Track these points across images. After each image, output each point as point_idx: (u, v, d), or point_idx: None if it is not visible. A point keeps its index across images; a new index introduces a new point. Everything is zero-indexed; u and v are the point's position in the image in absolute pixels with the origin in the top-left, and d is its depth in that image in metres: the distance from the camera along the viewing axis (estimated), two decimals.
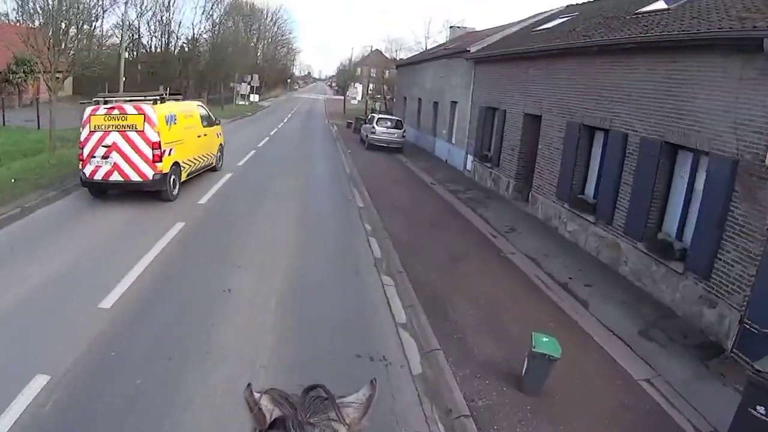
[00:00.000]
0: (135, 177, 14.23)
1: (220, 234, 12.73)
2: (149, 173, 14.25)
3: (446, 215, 16.88)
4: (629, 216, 12.51)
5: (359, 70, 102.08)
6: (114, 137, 14.09)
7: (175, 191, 15.53)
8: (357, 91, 75.95)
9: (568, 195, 15.43)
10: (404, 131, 30.87)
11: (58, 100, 44.52)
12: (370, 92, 70.78)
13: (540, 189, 17.26)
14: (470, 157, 23.88)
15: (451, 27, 42.22)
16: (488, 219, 16.71)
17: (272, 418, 1.47)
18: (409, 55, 49.25)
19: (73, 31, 61.83)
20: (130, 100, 15.06)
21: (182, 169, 16.00)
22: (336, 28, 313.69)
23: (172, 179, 15.16)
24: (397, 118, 31.89)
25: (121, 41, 40.45)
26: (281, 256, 11.42)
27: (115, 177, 14.22)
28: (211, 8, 68.66)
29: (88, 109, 14.49)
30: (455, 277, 11.24)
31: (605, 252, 13.37)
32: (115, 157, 14.12)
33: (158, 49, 66.04)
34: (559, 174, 16.00)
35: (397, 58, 66.17)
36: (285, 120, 47.76)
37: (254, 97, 65.49)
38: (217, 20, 70.58)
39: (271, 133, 34.98)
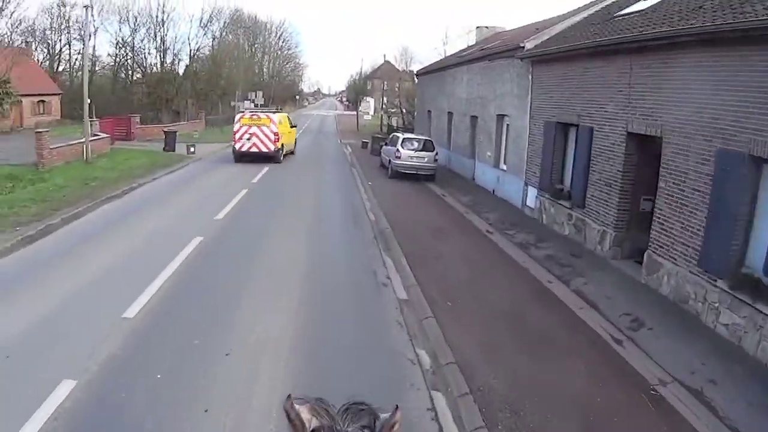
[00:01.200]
0: (264, 149, 27.29)
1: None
2: (272, 148, 27.42)
3: (533, 300, 10.80)
4: None
5: (370, 83, 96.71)
6: (254, 129, 27.29)
7: (281, 158, 28.53)
8: (369, 105, 70.08)
9: (724, 267, 9.55)
10: (436, 154, 24.97)
11: (46, 124, 39.24)
12: (383, 106, 65.12)
13: (666, 250, 11.28)
14: (533, 191, 17.95)
15: (477, 27, 36.54)
16: (595, 302, 10.72)
17: (311, 428, 1.53)
18: (426, 64, 43.58)
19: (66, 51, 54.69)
20: (261, 112, 30.61)
21: (283, 147, 28.87)
22: (340, 40, 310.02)
23: (280, 152, 28.30)
24: (425, 138, 25.91)
25: (83, 56, 35.05)
26: None
27: (254, 149, 27.28)
28: (209, 20, 63.55)
29: (238, 115, 29.10)
30: None
31: None
32: (254, 139, 27.26)
33: (154, 68, 61.02)
34: (706, 231, 10.07)
35: (409, 69, 60.79)
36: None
37: None
38: (216, 33, 65.56)
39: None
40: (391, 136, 28.27)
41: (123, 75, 62.57)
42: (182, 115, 53.23)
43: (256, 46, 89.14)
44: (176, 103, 56.20)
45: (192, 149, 29.80)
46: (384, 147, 28.39)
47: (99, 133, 29.10)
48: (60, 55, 61.20)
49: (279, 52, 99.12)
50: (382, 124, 58.03)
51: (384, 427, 1.59)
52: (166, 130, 32.86)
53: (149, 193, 19.57)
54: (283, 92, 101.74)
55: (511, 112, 20.07)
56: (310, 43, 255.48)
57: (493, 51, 22.46)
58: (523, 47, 18.38)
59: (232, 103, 51.44)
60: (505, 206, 19.59)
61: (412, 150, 24.49)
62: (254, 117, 27.82)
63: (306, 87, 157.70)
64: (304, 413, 1.57)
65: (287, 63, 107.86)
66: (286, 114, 32.98)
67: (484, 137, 23.26)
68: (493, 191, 21.86)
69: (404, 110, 51.70)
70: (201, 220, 15.20)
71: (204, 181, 22.44)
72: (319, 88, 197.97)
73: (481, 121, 23.54)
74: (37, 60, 58.78)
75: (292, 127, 32.42)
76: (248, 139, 27.21)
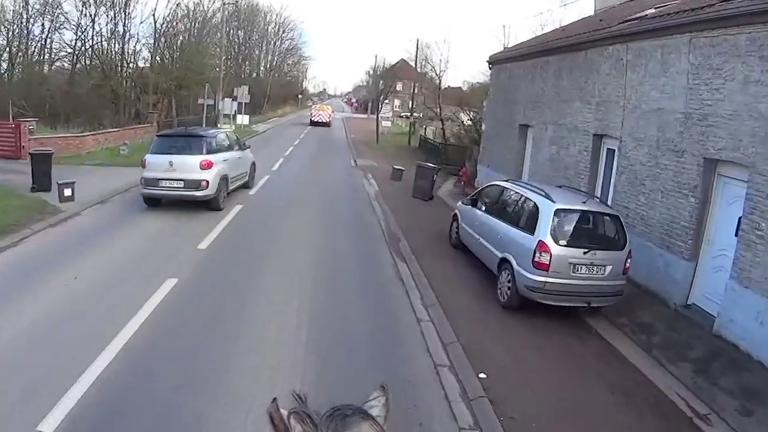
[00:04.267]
0: (324, 120, 60.61)
1: None
2: (327, 120, 61.36)
3: None
4: None
5: (380, 83, 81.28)
6: (320, 111, 63.00)
7: (330, 125, 61.16)
8: (389, 110, 55.35)
9: None
10: (629, 256, 9.84)
11: None
12: (410, 111, 50.61)
13: None
14: None
15: None
16: None
17: None
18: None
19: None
20: (324, 104, 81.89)
21: (330, 121, 62.97)
22: (347, 39, 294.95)
23: (330, 122, 62.36)
24: (606, 211, 10.32)
25: None
26: None
27: (319, 120, 60.34)
28: None
29: (313, 106, 72.94)
30: None
31: None
32: (319, 116, 61.46)
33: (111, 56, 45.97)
34: None
35: (440, 70, 45.27)
36: (278, 164, 26.68)
37: (242, 119, 44.55)
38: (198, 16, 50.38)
39: (220, 226, 14.34)
40: (502, 189, 11.89)
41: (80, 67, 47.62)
42: (143, 117, 38.20)
43: (251, 34, 74.19)
44: (129, 100, 41.22)
45: (68, 192, 14.85)
46: (469, 210, 12.96)
47: None
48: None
49: (278, 43, 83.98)
50: (413, 136, 43.15)
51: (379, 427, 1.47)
52: (33, 151, 17.29)
53: None
54: (282, 90, 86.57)
55: None
56: (313, 40, 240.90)
57: None
58: None
59: (200, 101, 36.27)
60: None
61: (581, 247, 9.41)
62: (319, 106, 65.96)
63: (311, 87, 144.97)
64: (291, 421, 1.45)
65: (289, 57, 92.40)
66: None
67: None
68: None
69: (442, 119, 36.71)
70: None
71: None
72: (324, 89, 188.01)
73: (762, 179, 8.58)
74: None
75: (332, 112, 65.45)
76: (317, 116, 60.73)
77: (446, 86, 50.14)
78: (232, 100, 43.19)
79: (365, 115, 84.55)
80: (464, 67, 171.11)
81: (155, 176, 14.83)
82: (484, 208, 12.05)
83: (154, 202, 15.44)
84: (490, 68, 23.38)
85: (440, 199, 21.12)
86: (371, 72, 68.40)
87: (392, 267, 12.03)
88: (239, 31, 70.35)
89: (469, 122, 32.24)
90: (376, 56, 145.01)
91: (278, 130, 50.13)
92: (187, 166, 14.79)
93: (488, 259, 11.15)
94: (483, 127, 23.91)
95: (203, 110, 36.09)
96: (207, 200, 15.21)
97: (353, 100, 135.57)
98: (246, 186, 18.73)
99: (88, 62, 47.27)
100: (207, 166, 14.97)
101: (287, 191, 19.94)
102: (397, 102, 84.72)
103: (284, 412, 1.48)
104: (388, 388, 1.55)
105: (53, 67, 47.25)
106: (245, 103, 44.29)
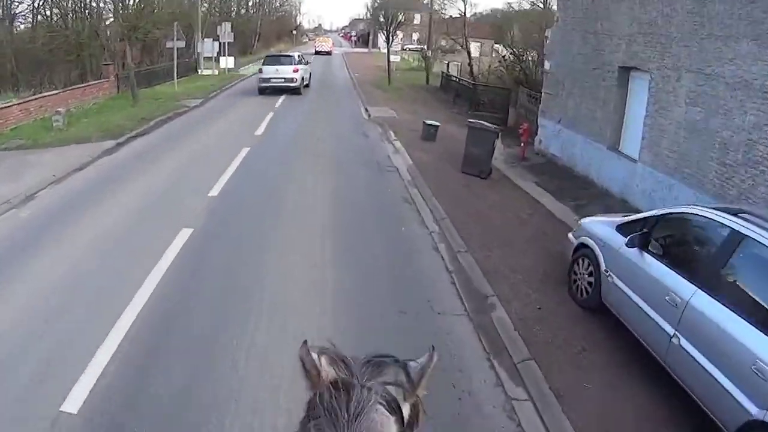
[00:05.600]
0: (326, 50, 70.23)
1: None
2: (329, 49, 71.04)
3: None
4: None
5: (381, 13, 74.08)
6: (323, 43, 73.90)
7: (331, 53, 70.67)
8: (397, 42, 47.64)
9: None
10: None
11: None
12: (421, 44, 44.09)
13: None
14: None
15: None
16: None
17: (328, 381, 1.34)
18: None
19: None
20: (326, 36, 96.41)
21: (331, 51, 72.13)
22: None
23: (331, 51, 71.37)
24: None
25: None
26: None
27: (322, 50, 69.91)
28: None
29: (318, 38, 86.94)
30: None
31: None
32: (322, 47, 71.42)
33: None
34: None
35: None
36: (263, 124, 20.33)
37: (227, 62, 37.79)
38: None
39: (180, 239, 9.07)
40: (741, 240, 5.14)
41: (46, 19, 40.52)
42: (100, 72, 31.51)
43: None
44: (94, 50, 34.36)
45: None
46: (633, 256, 6.43)
47: None
48: None
49: None
50: (428, 68, 36.52)
51: (414, 380, 1.36)
52: None
53: None
54: (274, 27, 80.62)
55: None
56: None
57: None
58: None
59: (169, 44, 29.63)
60: None
61: None
62: (322, 39, 78.04)
63: (306, 22, 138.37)
64: (323, 362, 1.36)
65: None
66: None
67: None
68: None
69: (469, 53, 30.16)
70: None
71: None
72: (320, 24, 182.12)
73: None
74: None
75: (332, 44, 76.06)
76: (321, 46, 70.08)
77: (449, 16, 44.06)
78: (214, 40, 36.60)
79: (366, 50, 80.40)
80: None
81: (268, 76, 27.88)
82: (683, 274, 5.71)
83: (263, 90, 27.84)
84: None
85: (498, 171, 14.90)
86: (370, 3, 61.61)
87: (509, 421, 5.40)
88: None
89: (511, 56, 25.61)
90: None
91: None
92: (286, 70, 27.92)
93: (713, 399, 5.03)
94: (547, 65, 17.36)
95: (174, 55, 29.51)
96: (295, 88, 28.00)
97: (351, 34, 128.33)
98: (306, 86, 30.77)
99: (48, 13, 40.48)
100: (295, 71, 28.16)
101: (274, 178, 13.90)
102: (399, 34, 77.96)
103: (315, 356, 1.37)
104: (435, 351, 1.37)
105: (16, 24, 40.43)
106: (228, 43, 37.57)
